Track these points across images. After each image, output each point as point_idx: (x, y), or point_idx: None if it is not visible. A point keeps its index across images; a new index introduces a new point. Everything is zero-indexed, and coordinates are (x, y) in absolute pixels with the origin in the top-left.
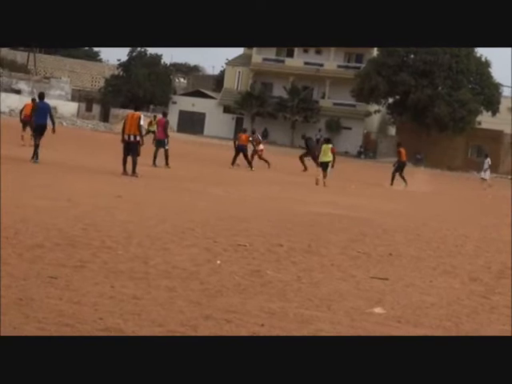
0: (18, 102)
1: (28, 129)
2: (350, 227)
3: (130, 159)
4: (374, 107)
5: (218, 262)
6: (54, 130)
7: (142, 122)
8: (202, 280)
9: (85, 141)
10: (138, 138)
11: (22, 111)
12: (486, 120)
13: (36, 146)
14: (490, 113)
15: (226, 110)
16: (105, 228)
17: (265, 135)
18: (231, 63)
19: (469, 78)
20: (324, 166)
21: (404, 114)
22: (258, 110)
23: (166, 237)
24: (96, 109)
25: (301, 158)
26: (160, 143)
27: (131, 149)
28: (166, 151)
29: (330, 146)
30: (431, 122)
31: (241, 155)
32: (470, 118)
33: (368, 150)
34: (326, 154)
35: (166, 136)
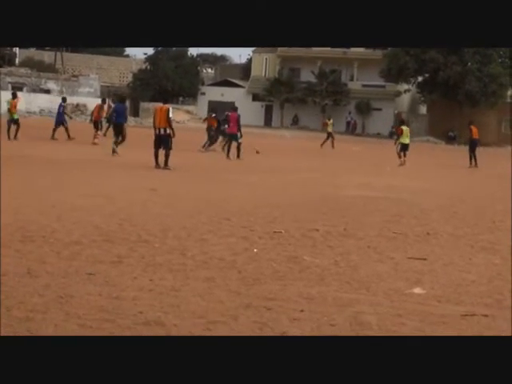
0: (47, 102)
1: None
2: (385, 208)
3: (162, 152)
4: (403, 87)
5: (255, 250)
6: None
7: (171, 115)
8: (240, 269)
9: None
10: (169, 131)
11: (92, 112)
12: None
13: (115, 143)
14: None
15: (255, 98)
16: (140, 222)
17: (295, 121)
18: (258, 51)
19: (498, 51)
20: (405, 147)
21: (434, 92)
22: (287, 97)
23: (203, 228)
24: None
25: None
26: (232, 137)
27: (163, 142)
28: (239, 145)
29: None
30: (462, 99)
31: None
32: (501, 92)
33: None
34: (407, 136)
35: (239, 130)
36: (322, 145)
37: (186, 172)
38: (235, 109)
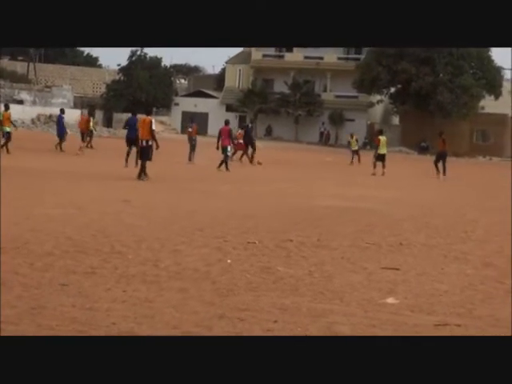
0: (20, 113)
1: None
2: (358, 219)
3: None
4: (376, 97)
5: (229, 260)
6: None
7: (154, 127)
8: (214, 280)
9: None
10: (151, 143)
11: (79, 124)
12: (488, 104)
13: (127, 154)
14: (492, 97)
15: (229, 108)
16: (114, 233)
17: (269, 132)
18: (231, 61)
19: (470, 63)
20: (382, 157)
21: (407, 102)
22: (260, 107)
23: (176, 238)
24: (99, 114)
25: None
26: (223, 150)
27: (143, 153)
28: (226, 157)
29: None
30: (434, 110)
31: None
32: (472, 104)
33: (373, 140)
34: (384, 146)
35: (230, 143)
36: (351, 162)
37: (159, 182)
38: (227, 123)
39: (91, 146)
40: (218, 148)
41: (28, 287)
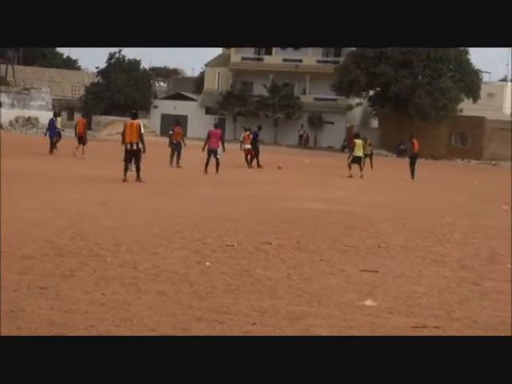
0: None
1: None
2: (337, 221)
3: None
4: (355, 100)
5: (208, 263)
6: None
7: (142, 131)
8: (192, 282)
9: (68, 149)
10: (140, 146)
11: (75, 127)
12: (467, 107)
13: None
14: (470, 100)
15: (208, 111)
16: (92, 236)
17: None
18: (210, 64)
19: (448, 66)
20: (358, 160)
21: (385, 105)
22: (239, 110)
23: (155, 241)
24: (78, 117)
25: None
26: (213, 152)
27: (135, 156)
28: (218, 160)
29: (363, 140)
30: (413, 112)
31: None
32: (451, 106)
33: (350, 143)
34: (360, 149)
35: (220, 145)
36: (371, 166)
37: (137, 185)
38: (216, 126)
39: (55, 148)
40: (203, 150)
41: (7, 290)
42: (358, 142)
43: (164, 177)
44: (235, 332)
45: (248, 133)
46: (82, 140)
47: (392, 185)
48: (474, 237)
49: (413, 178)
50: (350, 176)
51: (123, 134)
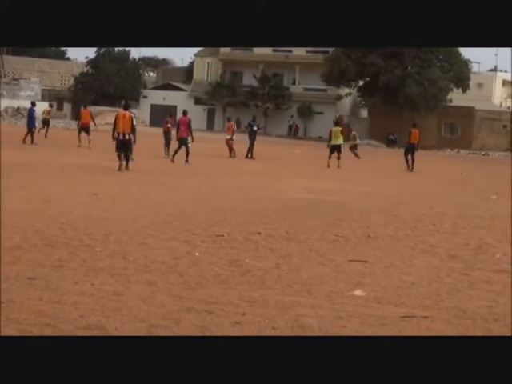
0: None
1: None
2: (326, 212)
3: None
4: (344, 90)
5: (197, 253)
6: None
7: (134, 122)
8: (182, 272)
9: (57, 140)
10: (131, 136)
11: (79, 118)
12: (456, 97)
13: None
14: (460, 90)
15: (198, 101)
16: (82, 226)
17: (237, 124)
18: (200, 54)
19: (438, 56)
20: (336, 148)
21: (375, 95)
22: (229, 100)
23: (144, 231)
24: (67, 107)
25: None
26: (182, 141)
27: (128, 146)
28: (187, 148)
29: (340, 128)
30: (403, 102)
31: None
32: (441, 96)
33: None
34: (337, 137)
35: (189, 134)
36: (357, 157)
37: (126, 176)
38: (185, 113)
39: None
40: (177, 139)
41: None
42: (335, 129)
43: (153, 167)
44: (225, 322)
45: (232, 123)
46: (87, 130)
47: (382, 175)
48: (463, 227)
49: (411, 168)
50: (328, 166)
51: (114, 125)
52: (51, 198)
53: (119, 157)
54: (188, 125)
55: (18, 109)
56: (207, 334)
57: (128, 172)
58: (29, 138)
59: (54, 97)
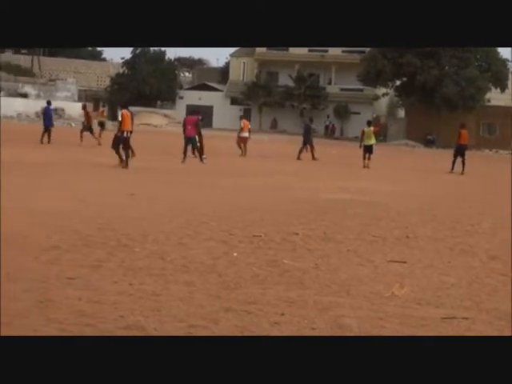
0: (24, 106)
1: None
2: (363, 212)
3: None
4: (381, 90)
5: (235, 254)
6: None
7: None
8: (220, 273)
9: (92, 140)
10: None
11: (88, 116)
12: (494, 97)
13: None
14: (498, 90)
15: (233, 101)
16: (120, 226)
17: (273, 125)
18: (235, 55)
19: (475, 55)
20: (368, 148)
21: (412, 95)
22: (264, 100)
23: (182, 231)
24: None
25: None
26: (190, 140)
27: (128, 143)
28: (196, 147)
29: (372, 128)
30: (440, 102)
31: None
32: (479, 96)
33: (378, 133)
34: (370, 138)
35: (196, 133)
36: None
37: (161, 175)
38: (194, 112)
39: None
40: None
41: (35, 281)
42: (367, 130)
43: (187, 167)
44: (263, 322)
45: (245, 121)
46: (102, 126)
47: (420, 175)
48: (503, 227)
49: (461, 171)
50: (364, 166)
51: (122, 123)
52: (86, 197)
53: (119, 152)
54: (196, 124)
55: (56, 109)
56: (246, 334)
57: (162, 171)
58: (45, 138)
59: (90, 97)
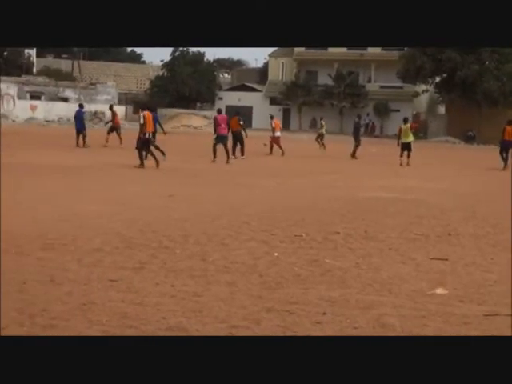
0: (65, 110)
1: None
2: (405, 210)
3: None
4: (421, 87)
5: (276, 254)
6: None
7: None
8: (262, 273)
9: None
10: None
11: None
12: None
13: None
14: None
15: (273, 101)
16: (161, 228)
17: (313, 124)
18: (274, 55)
19: None
20: (406, 146)
21: (452, 91)
22: (304, 100)
23: (223, 232)
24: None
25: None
26: (224, 139)
27: (150, 144)
28: (225, 146)
29: (409, 125)
30: (481, 98)
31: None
32: None
33: (418, 130)
34: (407, 135)
35: (227, 131)
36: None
37: (200, 176)
38: (220, 111)
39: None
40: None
41: (77, 283)
42: (404, 127)
43: (225, 168)
44: (305, 322)
45: (276, 120)
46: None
47: (461, 172)
48: None
49: (504, 166)
50: (401, 164)
51: (145, 125)
52: (127, 200)
53: (141, 154)
54: (226, 122)
55: (96, 113)
56: (288, 334)
57: (201, 172)
58: (81, 141)
59: (130, 100)
